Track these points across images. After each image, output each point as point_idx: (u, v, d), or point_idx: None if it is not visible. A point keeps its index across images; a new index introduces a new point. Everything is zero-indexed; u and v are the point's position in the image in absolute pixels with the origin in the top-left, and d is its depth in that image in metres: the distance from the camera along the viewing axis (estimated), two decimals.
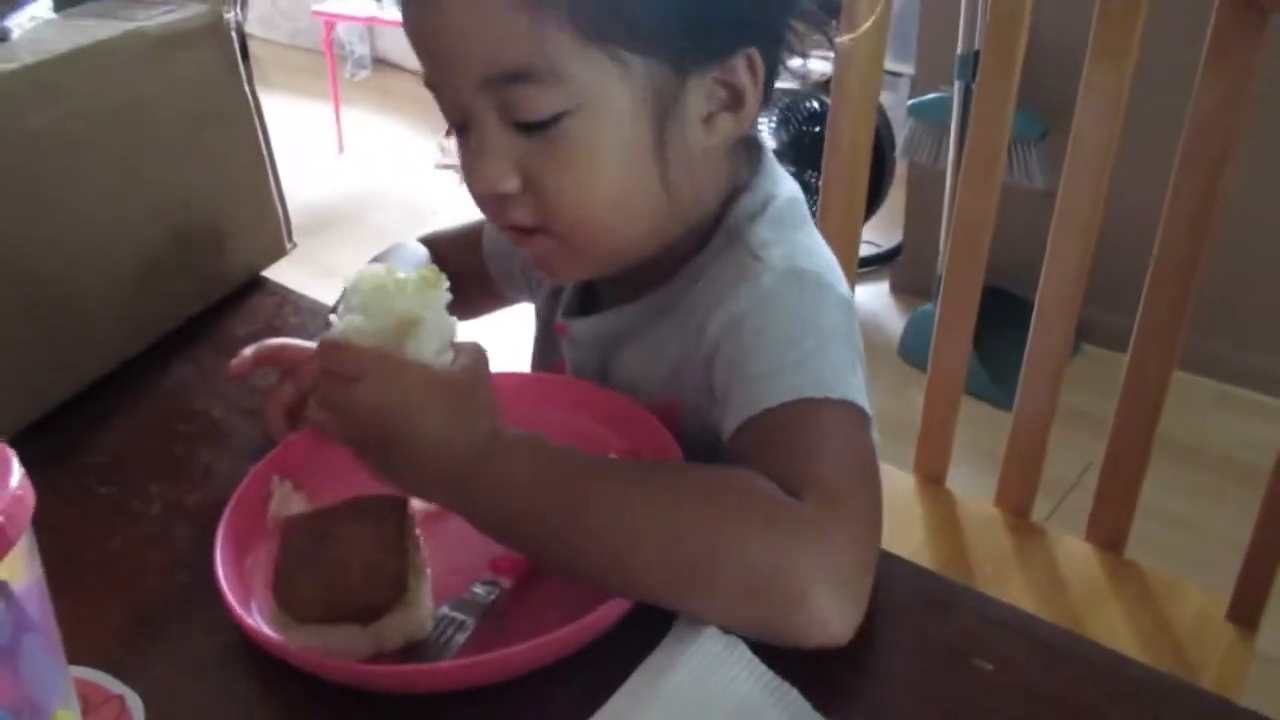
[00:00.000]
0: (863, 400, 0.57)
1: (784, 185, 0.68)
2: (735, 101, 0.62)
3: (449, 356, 0.53)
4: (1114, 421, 0.99)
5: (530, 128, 0.58)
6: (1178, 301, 0.93)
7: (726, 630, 0.50)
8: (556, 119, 0.57)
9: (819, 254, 0.64)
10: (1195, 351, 1.89)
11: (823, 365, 0.57)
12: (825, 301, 0.60)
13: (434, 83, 0.61)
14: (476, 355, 0.54)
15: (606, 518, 0.51)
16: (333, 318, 0.55)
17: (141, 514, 0.67)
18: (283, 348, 0.73)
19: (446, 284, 0.54)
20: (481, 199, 0.63)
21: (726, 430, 0.57)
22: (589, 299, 0.75)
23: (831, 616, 0.48)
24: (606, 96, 0.58)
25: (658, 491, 0.52)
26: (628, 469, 0.55)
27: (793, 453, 0.53)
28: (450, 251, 0.85)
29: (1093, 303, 1.19)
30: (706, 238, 0.66)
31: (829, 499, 0.50)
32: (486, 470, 0.52)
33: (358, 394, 0.51)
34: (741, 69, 0.61)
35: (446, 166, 3.40)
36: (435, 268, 0.55)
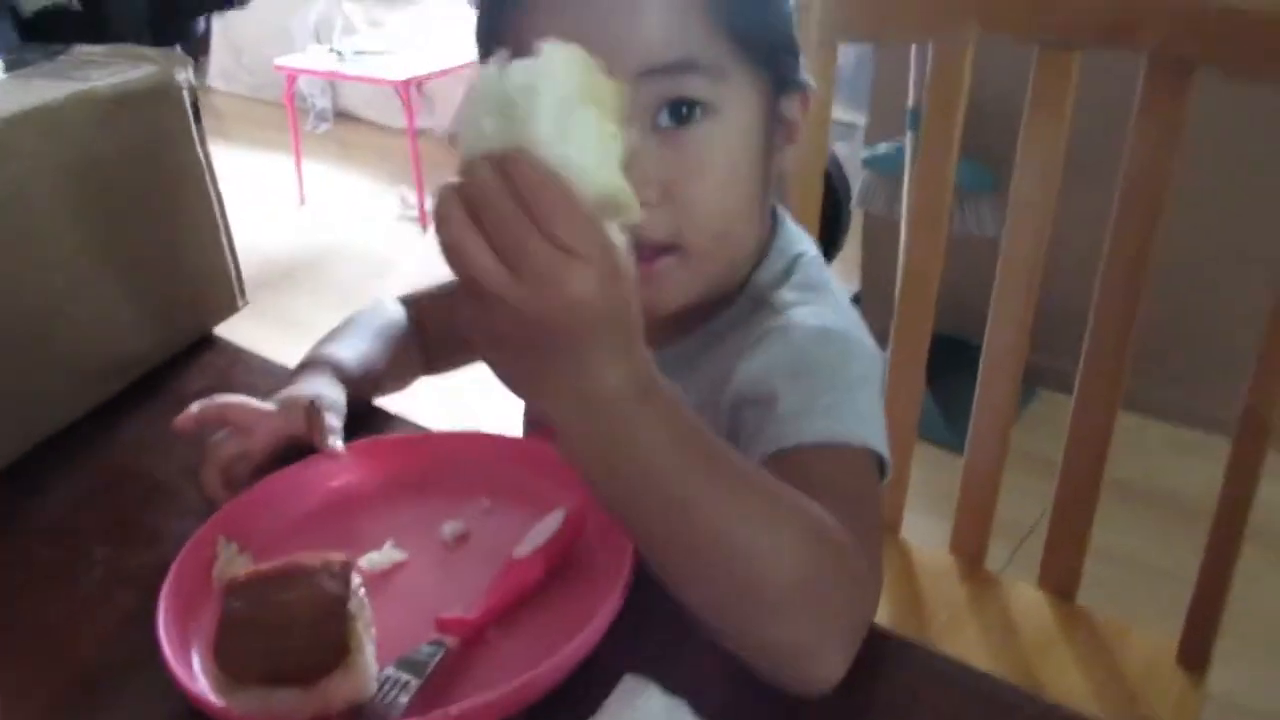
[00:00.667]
0: (884, 449, 0.59)
1: (802, 243, 0.71)
2: (790, 136, 0.67)
3: (624, 239, 0.42)
4: (1062, 467, 1.01)
5: (674, 125, 0.59)
6: (1118, 346, 0.95)
7: (668, 692, 0.50)
8: (702, 119, 0.59)
9: (843, 312, 0.66)
10: (1146, 395, 1.93)
11: (852, 412, 0.58)
12: (853, 354, 0.63)
13: None
14: (630, 261, 0.44)
15: (734, 518, 0.47)
16: (489, 70, 0.40)
17: (84, 577, 0.66)
18: (229, 406, 0.73)
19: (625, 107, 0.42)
20: None
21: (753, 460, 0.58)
22: None
23: (835, 669, 0.49)
24: (742, 106, 0.61)
25: (788, 509, 0.49)
26: (760, 473, 0.50)
27: (832, 496, 0.53)
28: (436, 309, 0.85)
29: (1046, 349, 1.21)
30: (730, 298, 0.68)
31: (870, 557, 0.51)
32: (633, 421, 0.45)
33: (569, 280, 0.40)
34: (798, 103, 0.66)
35: (406, 219, 3.41)
36: (622, 85, 0.42)
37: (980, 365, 1.04)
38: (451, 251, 0.41)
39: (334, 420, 0.73)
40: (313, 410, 0.71)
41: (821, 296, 0.66)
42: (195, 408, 0.73)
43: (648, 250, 0.61)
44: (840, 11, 1.01)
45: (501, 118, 0.40)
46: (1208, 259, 1.89)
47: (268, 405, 0.73)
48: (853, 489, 0.56)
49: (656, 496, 0.47)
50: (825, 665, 0.49)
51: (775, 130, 0.65)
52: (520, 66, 0.40)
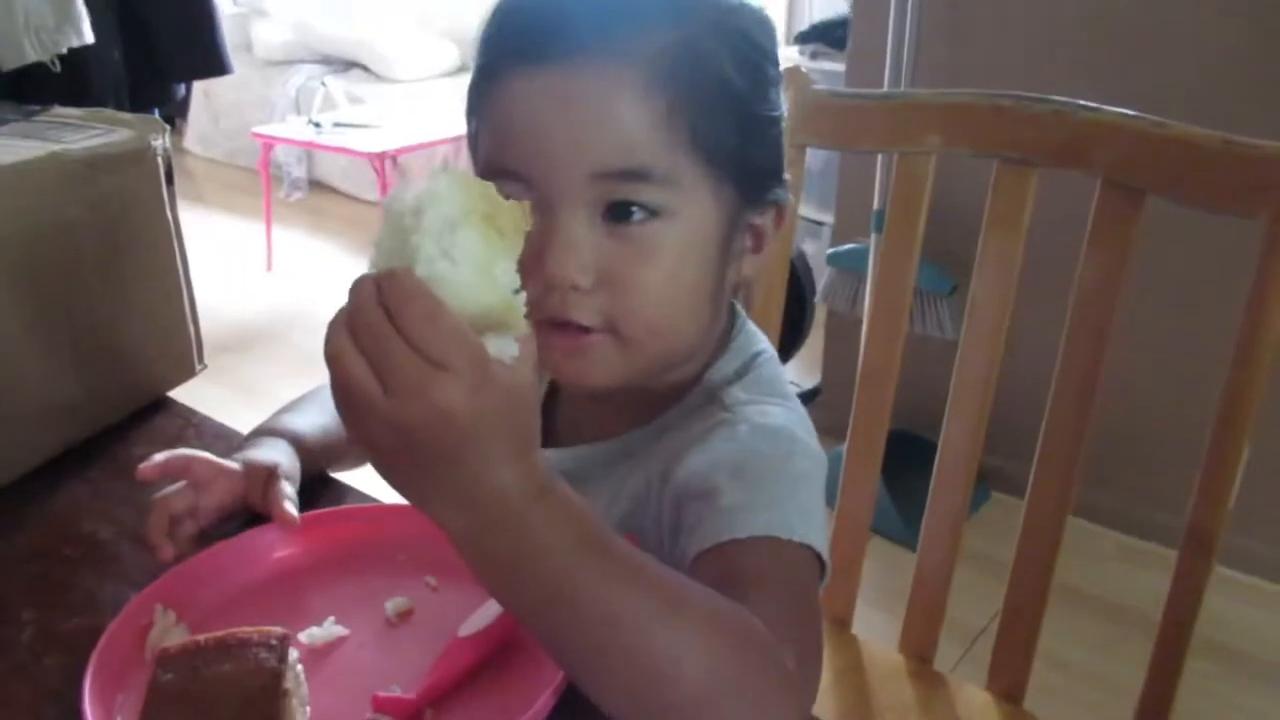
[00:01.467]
0: (824, 550, 0.58)
1: (760, 343, 0.71)
2: (757, 245, 0.67)
3: (507, 352, 0.43)
4: (1012, 571, 1.01)
5: (622, 221, 0.59)
6: (1069, 455, 0.96)
7: None
8: (651, 219, 0.60)
9: (793, 413, 0.67)
10: (1098, 503, 1.95)
11: (792, 509, 0.58)
12: (798, 453, 0.63)
13: (514, 169, 0.60)
14: (526, 362, 0.45)
15: (633, 621, 0.45)
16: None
17: (12, 641, 0.64)
18: (195, 460, 0.72)
19: (527, 225, 0.44)
20: (548, 288, 0.59)
21: (691, 553, 0.58)
22: (543, 433, 0.75)
23: None
24: (698, 211, 0.62)
25: (693, 612, 0.48)
26: (666, 574, 0.49)
27: (766, 591, 0.53)
28: None
29: (1001, 452, 1.22)
30: (682, 393, 0.68)
31: (803, 663, 0.50)
32: (522, 524, 0.45)
33: (434, 391, 0.41)
34: (771, 216, 0.67)
35: None
36: (525, 205, 0.44)
37: (934, 465, 1.05)
38: (332, 363, 0.43)
39: (290, 490, 0.72)
40: (272, 478, 0.71)
41: (773, 397, 0.67)
42: (161, 456, 0.72)
43: (580, 327, 0.61)
44: (810, 119, 1.05)
45: (395, 238, 0.42)
46: (1159, 374, 1.93)
47: (232, 464, 0.73)
48: (788, 584, 0.56)
49: (548, 599, 0.46)
50: None
51: (738, 237, 0.66)
52: (413, 190, 0.42)
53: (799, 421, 0.66)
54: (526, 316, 0.44)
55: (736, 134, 0.62)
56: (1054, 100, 0.93)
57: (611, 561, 0.47)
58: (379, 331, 0.41)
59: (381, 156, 3.29)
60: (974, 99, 0.99)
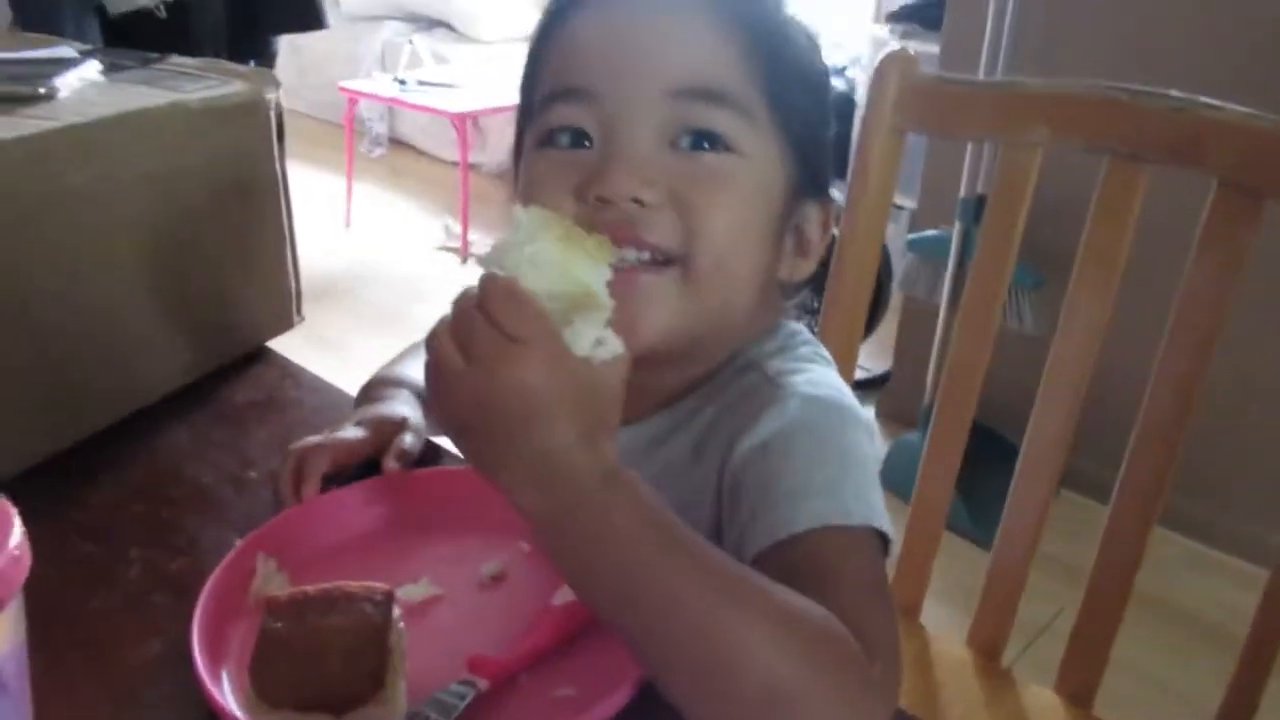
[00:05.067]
0: (886, 525, 0.57)
1: (804, 333, 0.70)
2: (802, 249, 0.66)
3: (603, 350, 0.48)
4: (1091, 576, 1.00)
5: (694, 145, 0.59)
6: (1161, 465, 0.94)
7: None
8: (723, 152, 0.59)
9: (835, 383, 0.64)
10: (1173, 510, 1.90)
11: (847, 489, 0.56)
12: (848, 425, 0.61)
13: (580, 85, 0.60)
14: (624, 360, 0.49)
15: (698, 609, 0.46)
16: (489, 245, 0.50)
17: (121, 577, 0.66)
18: (328, 449, 0.71)
19: (613, 257, 0.50)
20: (605, 206, 0.58)
21: (751, 550, 0.56)
22: None
23: None
24: (768, 161, 0.61)
25: (761, 603, 0.47)
26: (734, 565, 0.49)
27: (831, 595, 0.50)
28: None
29: (1075, 450, 1.20)
30: (715, 368, 0.66)
31: (888, 664, 0.49)
32: (593, 505, 0.46)
33: (510, 361, 0.45)
34: (815, 220, 0.66)
35: (448, 249, 3.45)
36: (605, 237, 0.50)
37: (1017, 466, 1.04)
38: (429, 341, 0.48)
39: (411, 444, 0.73)
40: (400, 430, 0.73)
41: (811, 364, 0.65)
42: (312, 482, 0.70)
43: (648, 253, 0.59)
44: (913, 103, 1.03)
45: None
46: (1250, 381, 1.88)
47: (358, 433, 0.73)
48: (854, 575, 0.54)
49: (615, 584, 0.47)
50: None
51: (790, 223, 0.64)
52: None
53: (845, 390, 0.64)
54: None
55: (804, 99, 0.62)
56: (1172, 96, 0.90)
57: (680, 550, 0.47)
58: (468, 313, 0.46)
59: (463, 117, 3.31)
60: (1087, 90, 0.96)
